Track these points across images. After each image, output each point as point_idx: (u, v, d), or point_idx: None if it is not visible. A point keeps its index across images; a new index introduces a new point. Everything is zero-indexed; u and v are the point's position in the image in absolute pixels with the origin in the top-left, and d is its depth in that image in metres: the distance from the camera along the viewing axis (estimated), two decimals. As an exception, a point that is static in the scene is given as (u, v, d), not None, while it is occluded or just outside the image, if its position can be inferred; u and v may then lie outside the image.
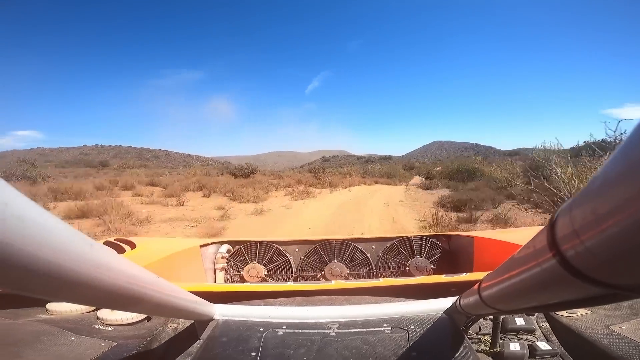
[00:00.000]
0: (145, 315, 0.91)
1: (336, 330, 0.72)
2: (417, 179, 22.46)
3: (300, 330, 0.72)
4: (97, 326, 0.86)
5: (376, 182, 21.41)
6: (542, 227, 0.32)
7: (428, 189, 16.37)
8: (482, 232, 1.98)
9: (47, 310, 0.94)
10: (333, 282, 1.18)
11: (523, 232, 1.89)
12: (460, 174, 17.42)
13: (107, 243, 1.66)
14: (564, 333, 0.82)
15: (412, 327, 0.72)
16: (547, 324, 0.87)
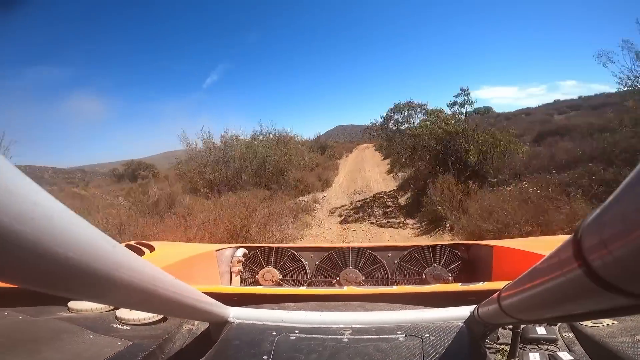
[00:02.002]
0: (161, 316, 0.93)
1: (349, 337, 0.71)
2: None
3: (312, 336, 0.72)
4: (115, 325, 0.88)
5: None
6: (568, 236, 0.31)
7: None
8: (502, 242, 1.92)
9: (68, 309, 0.97)
10: (347, 288, 1.18)
11: (545, 241, 1.83)
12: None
13: (128, 246, 1.71)
14: (587, 343, 0.78)
15: (427, 335, 0.70)
16: (571, 334, 0.83)
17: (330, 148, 23.99)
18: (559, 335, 0.82)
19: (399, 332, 0.72)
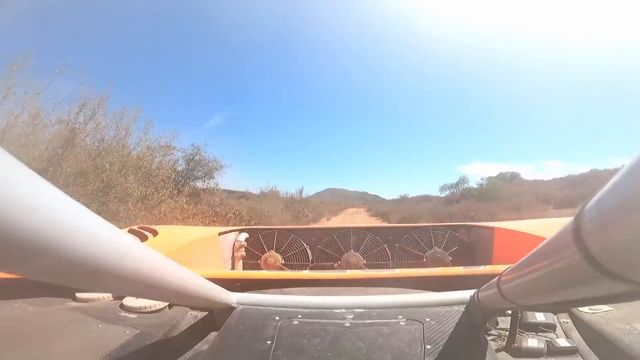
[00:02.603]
0: (167, 304, 0.94)
1: (351, 321, 0.72)
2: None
3: (315, 320, 0.73)
4: (122, 314, 0.90)
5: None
6: (569, 219, 0.31)
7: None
8: (503, 223, 1.92)
9: (76, 299, 0.99)
10: (348, 271, 1.19)
11: (546, 223, 1.83)
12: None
13: (131, 231, 1.72)
14: (585, 330, 0.79)
15: (427, 319, 0.71)
16: (569, 320, 0.84)
17: (307, 208, 20.27)
18: (557, 321, 0.83)
19: (400, 317, 0.73)
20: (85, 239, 0.29)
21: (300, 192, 23.82)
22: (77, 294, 0.99)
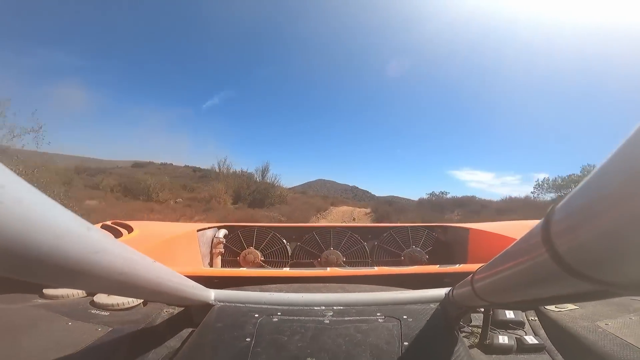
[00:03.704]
0: (141, 300, 0.92)
1: (330, 318, 0.73)
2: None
3: (294, 317, 0.73)
4: (93, 311, 0.87)
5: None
6: (538, 221, 0.32)
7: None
8: (478, 225, 1.99)
9: (43, 295, 0.95)
10: (328, 269, 1.19)
11: (519, 225, 1.90)
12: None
13: (104, 226, 1.66)
14: (551, 327, 0.83)
15: (404, 316, 0.73)
16: (536, 318, 0.88)
17: (270, 199, 16.90)
18: (525, 319, 0.87)
19: (378, 314, 0.74)
20: (54, 233, 0.28)
21: (263, 171, 18.64)
22: (45, 291, 0.95)
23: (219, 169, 19.04)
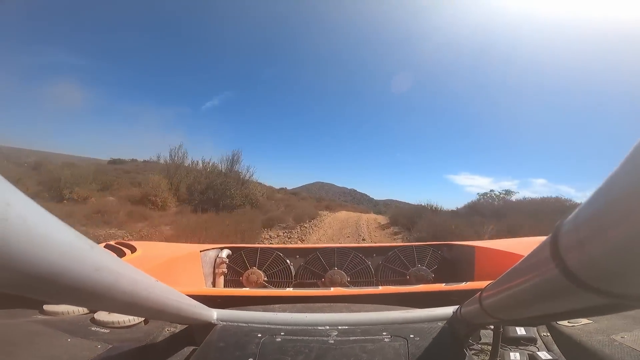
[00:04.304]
0: (142, 318, 0.90)
1: (335, 338, 0.71)
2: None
3: (298, 337, 0.71)
4: (93, 328, 0.85)
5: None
6: (546, 237, 0.32)
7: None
8: (484, 242, 1.97)
9: (43, 311, 0.94)
10: (332, 289, 1.17)
11: (525, 242, 1.88)
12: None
13: (107, 246, 1.65)
14: (565, 343, 0.81)
15: (411, 335, 0.71)
16: (549, 334, 0.86)
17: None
18: (537, 335, 0.85)
19: (384, 333, 0.72)
20: (58, 251, 0.28)
21: (232, 160, 14.58)
22: (45, 307, 0.95)
23: (172, 159, 14.33)
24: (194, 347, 0.77)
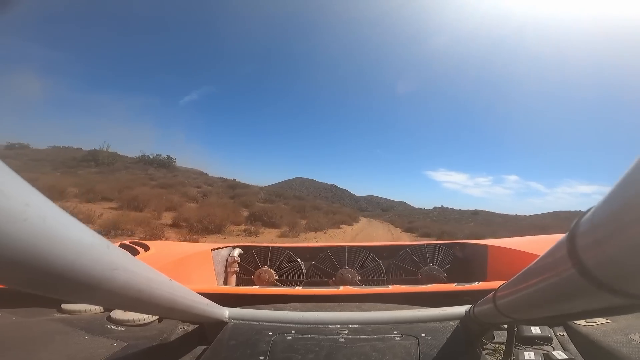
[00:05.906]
0: (156, 317, 0.92)
1: (346, 336, 0.71)
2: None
3: (309, 335, 0.71)
4: (109, 326, 0.87)
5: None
6: (562, 236, 0.31)
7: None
8: (497, 241, 1.93)
9: (61, 310, 0.96)
10: (343, 287, 1.17)
11: (538, 240, 1.84)
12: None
13: (122, 245, 1.69)
14: (581, 342, 0.79)
15: (423, 334, 0.70)
16: (565, 333, 0.84)
17: None
18: (553, 334, 0.83)
19: (395, 332, 0.72)
20: (76, 251, 0.29)
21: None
22: (63, 305, 0.97)
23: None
24: (206, 346, 0.78)
